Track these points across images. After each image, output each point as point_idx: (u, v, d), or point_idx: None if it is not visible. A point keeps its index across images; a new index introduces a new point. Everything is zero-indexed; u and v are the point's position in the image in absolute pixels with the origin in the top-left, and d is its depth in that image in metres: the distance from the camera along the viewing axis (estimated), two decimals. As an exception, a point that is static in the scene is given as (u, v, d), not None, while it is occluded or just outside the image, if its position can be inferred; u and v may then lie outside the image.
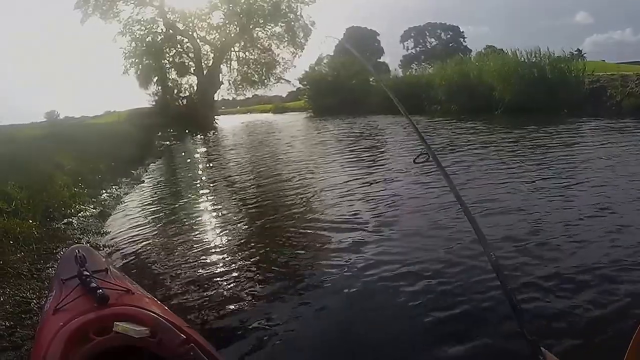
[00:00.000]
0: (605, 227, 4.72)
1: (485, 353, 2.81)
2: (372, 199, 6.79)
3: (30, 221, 5.50)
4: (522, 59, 19.08)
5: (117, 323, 1.88)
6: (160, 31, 32.56)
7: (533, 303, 3.30)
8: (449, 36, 54.93)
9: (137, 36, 31.65)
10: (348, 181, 8.27)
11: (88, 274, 2.33)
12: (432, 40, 55.63)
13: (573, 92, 16.78)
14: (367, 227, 5.42)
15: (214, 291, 3.94)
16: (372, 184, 7.95)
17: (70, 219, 6.45)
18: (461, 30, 55.29)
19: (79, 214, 6.81)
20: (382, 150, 12.91)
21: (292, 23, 34.31)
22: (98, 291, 2.10)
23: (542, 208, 5.61)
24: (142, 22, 31.65)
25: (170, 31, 32.61)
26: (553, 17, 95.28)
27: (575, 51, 23.05)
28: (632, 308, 3.09)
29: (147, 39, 31.93)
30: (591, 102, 16.04)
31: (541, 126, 13.22)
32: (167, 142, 20.12)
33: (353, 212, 6.10)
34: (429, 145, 0.98)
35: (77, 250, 2.62)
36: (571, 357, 2.67)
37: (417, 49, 55.82)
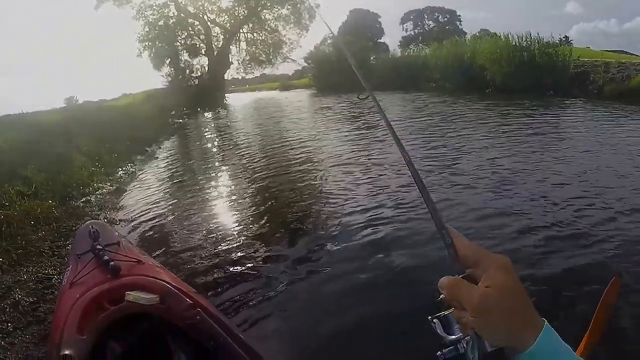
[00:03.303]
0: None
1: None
2: (362, 164, 7.26)
3: (50, 201, 5.55)
4: (514, 42, 18.68)
5: (129, 292, 1.93)
6: (172, 15, 31.99)
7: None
8: (446, 19, 53.75)
9: (150, 20, 31.10)
10: (342, 146, 8.85)
11: (101, 247, 2.39)
12: (430, 22, 54.41)
13: (559, 76, 16.63)
14: (361, 190, 5.80)
15: (221, 259, 4.01)
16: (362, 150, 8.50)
17: (89, 197, 6.51)
18: (458, 14, 54.45)
19: (97, 192, 6.86)
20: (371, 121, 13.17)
21: (298, 5, 33.60)
22: (110, 263, 2.16)
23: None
24: (154, 7, 31.14)
25: (182, 15, 32.01)
26: (546, 5, 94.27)
27: (563, 37, 22.59)
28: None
29: (159, 23, 31.40)
30: (575, 86, 15.92)
31: (523, 104, 13.57)
32: (180, 121, 19.91)
33: (349, 176, 6.51)
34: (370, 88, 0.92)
35: (90, 226, 2.65)
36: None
37: (416, 30, 54.68)
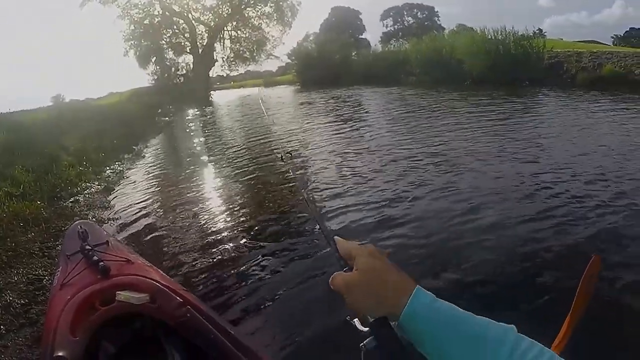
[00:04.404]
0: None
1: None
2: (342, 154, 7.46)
3: (39, 202, 5.39)
4: (489, 36, 18.91)
5: (119, 292, 1.88)
6: (157, 13, 31.56)
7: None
8: (424, 15, 54.28)
9: (136, 19, 30.67)
10: (323, 138, 9.10)
11: (90, 248, 2.31)
12: (409, 19, 54.81)
13: (534, 66, 16.91)
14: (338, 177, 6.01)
15: (210, 256, 3.95)
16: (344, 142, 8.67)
17: (77, 197, 6.34)
18: (436, 10, 55.08)
19: (85, 192, 6.70)
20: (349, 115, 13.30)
21: (281, 3, 33.44)
22: (100, 264, 2.09)
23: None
24: (139, 6, 30.69)
25: (167, 13, 31.58)
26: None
27: (537, 30, 22.94)
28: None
29: (144, 22, 30.97)
30: (550, 75, 16.24)
31: (499, 94, 13.83)
32: (167, 118, 19.60)
33: (331, 164, 6.76)
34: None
35: (79, 226, 2.57)
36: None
37: (396, 26, 54.99)
